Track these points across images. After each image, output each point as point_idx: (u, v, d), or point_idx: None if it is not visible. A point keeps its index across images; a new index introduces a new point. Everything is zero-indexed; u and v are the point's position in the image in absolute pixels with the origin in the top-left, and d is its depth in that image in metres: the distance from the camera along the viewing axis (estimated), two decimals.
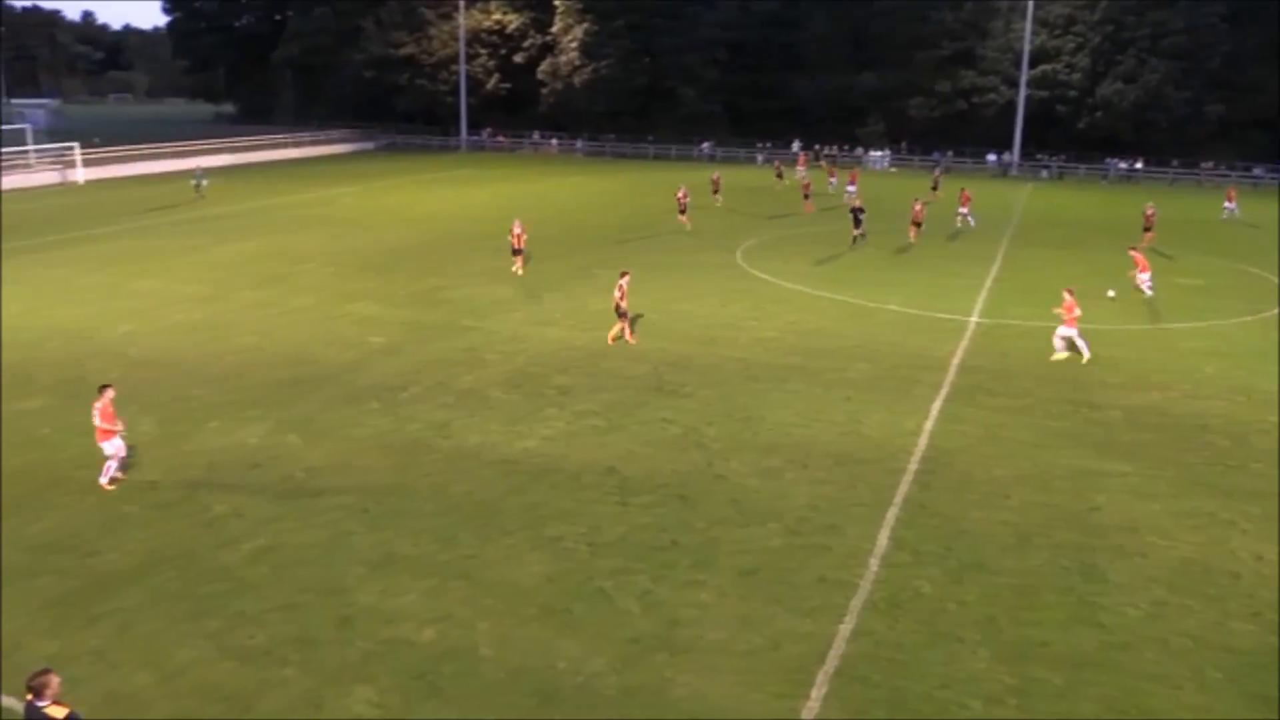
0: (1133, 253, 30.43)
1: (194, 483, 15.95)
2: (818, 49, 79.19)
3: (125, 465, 16.17)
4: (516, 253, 32.21)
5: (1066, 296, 22.96)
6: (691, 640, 11.58)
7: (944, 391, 20.66)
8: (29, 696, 8.07)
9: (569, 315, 26.65)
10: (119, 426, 15.79)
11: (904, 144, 76.50)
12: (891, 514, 14.92)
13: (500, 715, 10.25)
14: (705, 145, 79.56)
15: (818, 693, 10.61)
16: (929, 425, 18.67)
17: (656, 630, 11.79)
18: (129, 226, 42.12)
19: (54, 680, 8.16)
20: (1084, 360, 22.70)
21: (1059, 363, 22.70)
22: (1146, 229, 39.41)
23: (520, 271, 31.95)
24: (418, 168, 70.08)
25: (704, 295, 29.23)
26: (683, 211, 42.23)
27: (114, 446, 15.79)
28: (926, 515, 14.91)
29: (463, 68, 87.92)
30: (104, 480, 15.76)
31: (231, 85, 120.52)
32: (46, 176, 59.93)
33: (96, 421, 15.59)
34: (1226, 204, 49.80)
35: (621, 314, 23.97)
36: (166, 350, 23.25)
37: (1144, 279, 29.37)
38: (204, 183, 51.62)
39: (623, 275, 24.17)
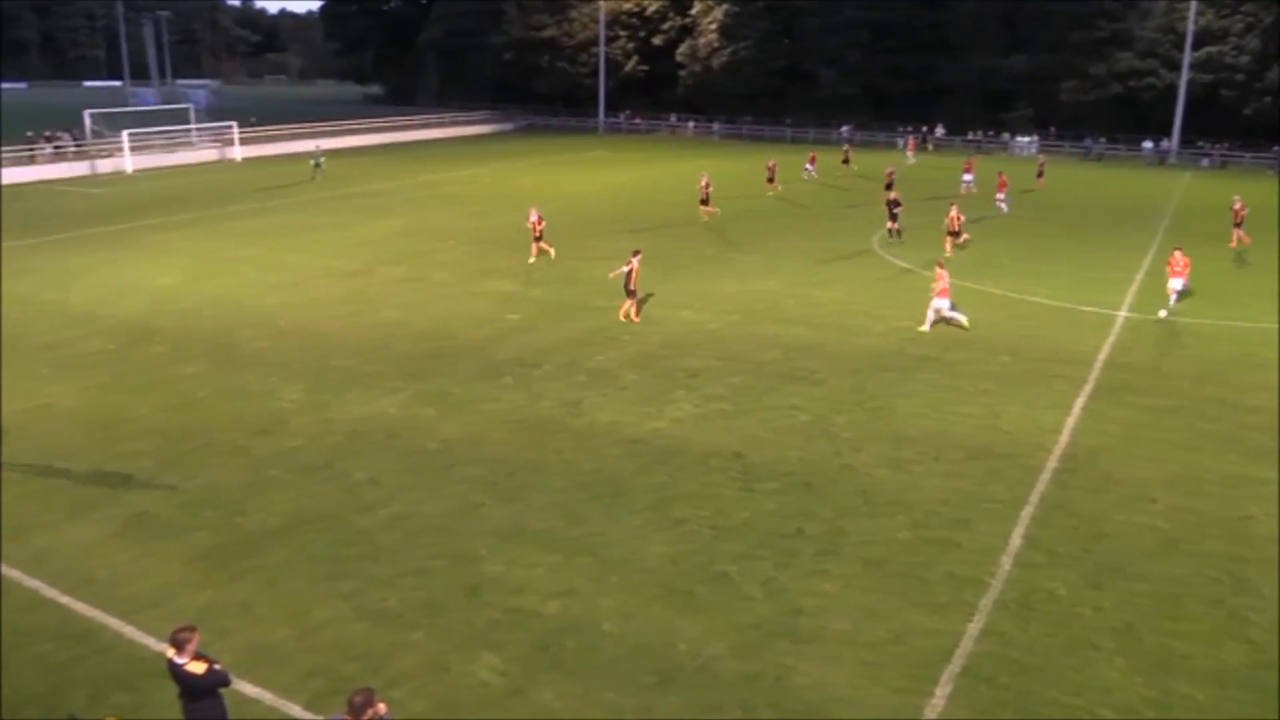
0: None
1: (335, 449, 16.62)
2: (965, 30, 76.65)
3: None
4: (537, 239, 31.09)
5: (938, 269, 24.08)
6: (814, 629, 11.49)
7: (1088, 388, 19.85)
8: (171, 651, 8.56)
9: (701, 298, 26.62)
10: None
11: (1052, 129, 73.49)
12: (1027, 512, 14.45)
13: (620, 692, 10.37)
14: (844, 129, 78.09)
15: (942, 691, 10.39)
16: (1070, 422, 17.98)
17: (778, 617, 11.74)
18: (281, 202, 44.05)
19: (195, 637, 8.63)
20: (967, 328, 23.40)
21: (1213, 364, 21.52)
22: (1236, 224, 35.35)
23: (533, 260, 30.83)
24: (555, 149, 71.02)
25: (838, 281, 28.81)
26: (704, 202, 40.03)
27: None
28: (1064, 515, 14.39)
29: (602, 50, 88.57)
30: None
31: (379, 67, 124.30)
32: (207, 154, 63.13)
33: None
34: None
35: (630, 293, 24.22)
36: (313, 322, 24.26)
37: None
38: (322, 162, 53.72)
39: (634, 254, 24.56)
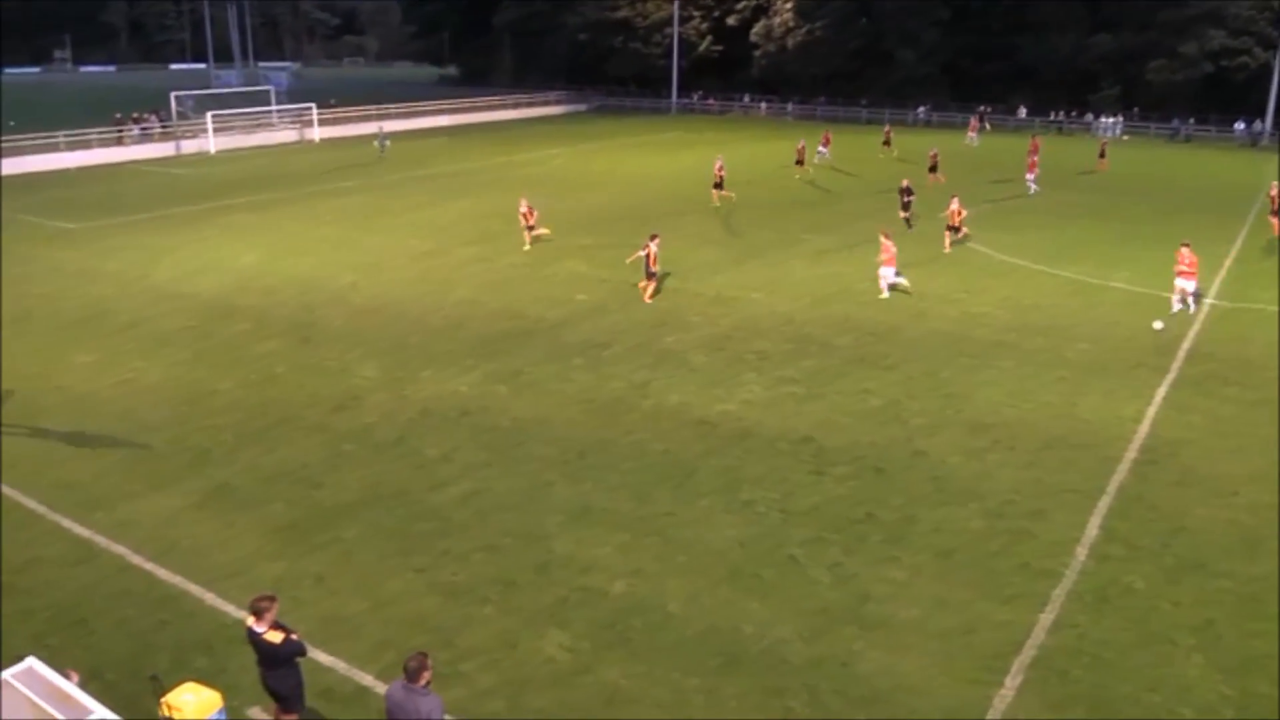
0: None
1: (409, 426, 16.91)
2: (1049, 8, 74.43)
3: None
4: (529, 229, 30.40)
5: (883, 239, 24.41)
6: (882, 616, 11.40)
7: (1171, 377, 19.30)
8: (251, 619, 8.81)
9: (773, 280, 26.45)
10: None
11: (1136, 110, 71.29)
12: (1104, 504, 14.12)
13: (685, 672, 10.42)
14: (921, 110, 76.69)
15: (1012, 682, 10.24)
16: (1152, 412, 17.51)
17: (846, 603, 11.67)
18: (357, 183, 44.75)
19: (274, 606, 8.86)
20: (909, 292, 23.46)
21: None
22: (1274, 212, 33.13)
23: (528, 248, 30.06)
24: (628, 130, 70.99)
25: (913, 265, 28.30)
26: (718, 185, 38.64)
27: None
28: (1143, 508, 14.04)
29: (675, 30, 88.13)
30: None
31: (455, 49, 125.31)
32: (287, 135, 64.35)
33: None
34: None
35: (650, 275, 24.66)
36: (388, 300, 24.66)
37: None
38: (387, 144, 54.73)
39: (652, 238, 24.84)
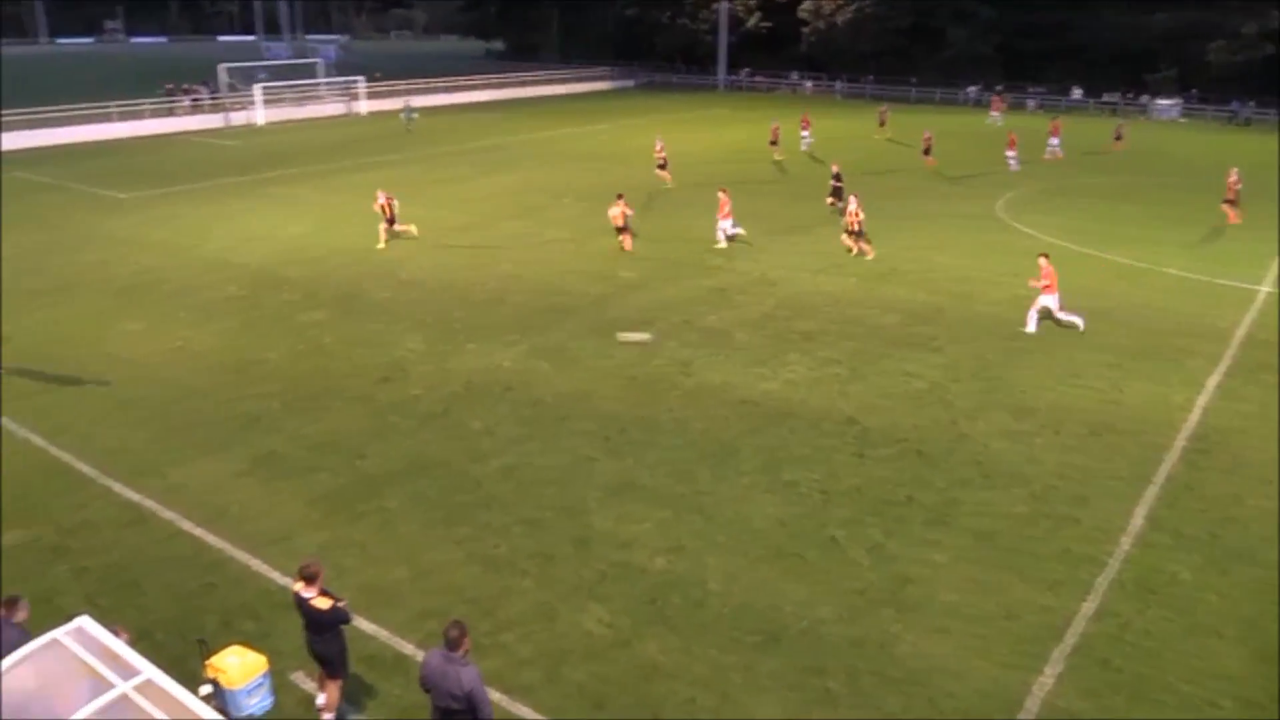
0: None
1: (452, 398, 17.04)
2: None
3: None
4: (389, 222, 27.79)
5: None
6: (922, 599, 11.35)
7: (1223, 365, 18.94)
8: (298, 585, 8.95)
9: (818, 260, 26.25)
10: None
11: (1194, 92, 69.61)
12: (1151, 492, 13.92)
13: (723, 649, 10.45)
14: (972, 90, 75.36)
15: (1052, 670, 10.16)
16: (1202, 400, 17.20)
17: (886, 584, 11.63)
18: (403, 156, 44.97)
19: (321, 573, 9.00)
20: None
21: None
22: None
23: (382, 245, 27.47)
24: (674, 106, 70.61)
25: (959, 247, 28.05)
26: (662, 167, 37.74)
27: None
28: (1191, 497, 13.82)
29: (723, 6, 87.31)
30: None
31: (502, 23, 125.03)
32: (335, 108, 64.78)
33: None
34: None
35: (620, 230, 26.96)
36: (433, 274, 24.81)
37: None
38: (414, 117, 55.09)
39: (619, 197, 27.28)
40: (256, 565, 11.98)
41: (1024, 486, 14.03)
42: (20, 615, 8.47)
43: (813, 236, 29.09)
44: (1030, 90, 72.80)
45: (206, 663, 9.02)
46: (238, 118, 58.55)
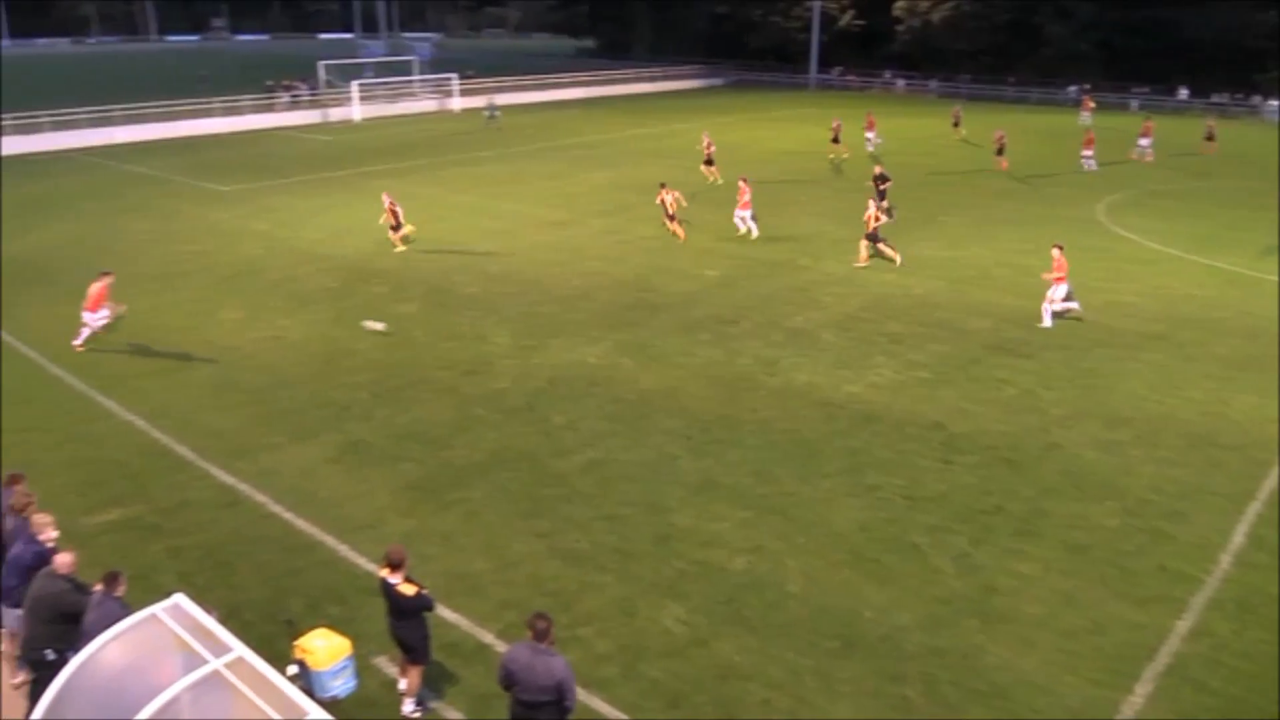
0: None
1: (537, 393, 17.20)
2: None
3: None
4: (394, 228, 27.15)
5: (1056, 254, 21.02)
6: (1007, 610, 11.09)
7: None
8: (385, 571, 9.12)
9: (908, 261, 25.83)
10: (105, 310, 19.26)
11: None
12: (1252, 509, 13.37)
13: (800, 653, 10.36)
14: (1073, 89, 73.22)
15: (1143, 689, 9.83)
16: None
17: (970, 594, 11.39)
18: (494, 152, 45.54)
19: (407, 561, 9.15)
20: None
21: None
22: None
23: (400, 249, 27.00)
24: (764, 105, 70.17)
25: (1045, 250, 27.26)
26: (708, 162, 37.48)
27: (94, 319, 19.18)
28: None
29: (817, 4, 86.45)
30: (77, 342, 19.22)
31: (593, 21, 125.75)
32: (428, 104, 65.91)
33: (93, 294, 19.15)
34: None
35: (670, 218, 27.98)
36: (521, 269, 25.07)
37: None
38: (497, 114, 55.94)
39: (661, 186, 28.40)
40: (343, 551, 12.26)
41: (1117, 499, 13.62)
42: (120, 589, 8.79)
43: (901, 237, 28.56)
44: (1134, 90, 70.43)
45: (294, 643, 9.25)
46: (335, 113, 59.94)
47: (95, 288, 19.24)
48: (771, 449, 15.05)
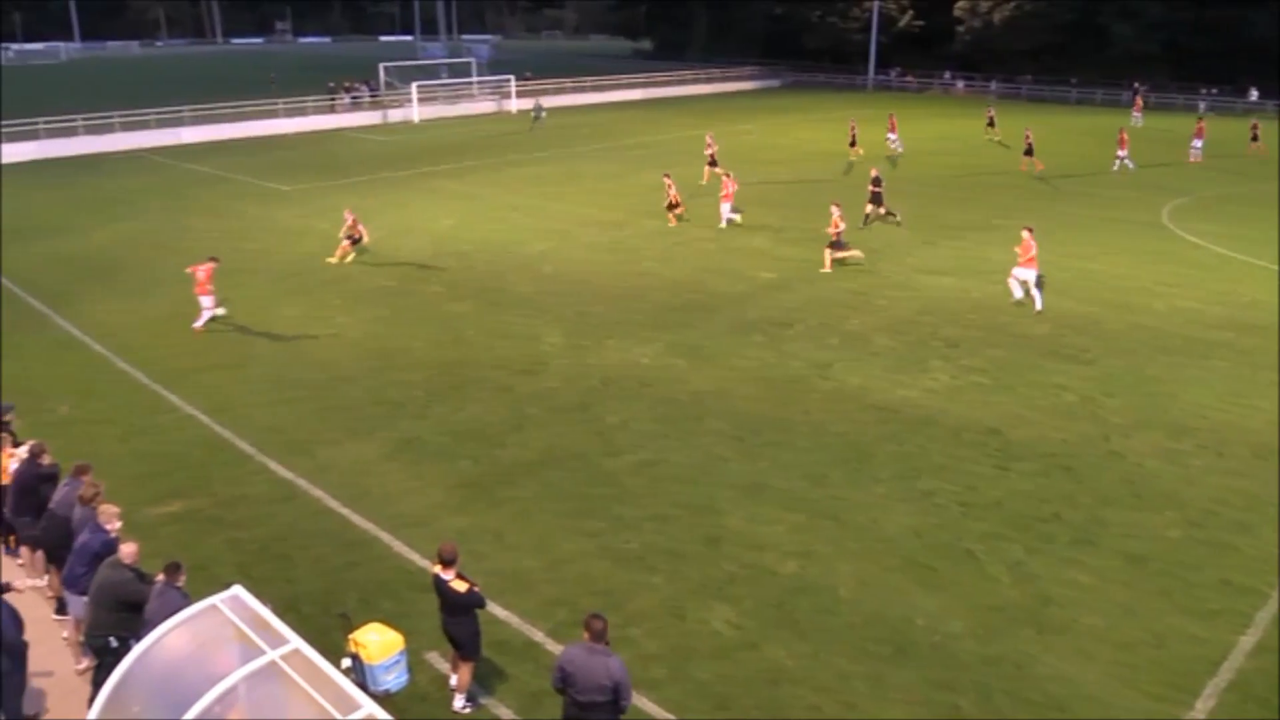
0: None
1: (590, 393, 17.26)
2: None
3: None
4: (353, 240, 26.07)
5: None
6: (1064, 621, 10.90)
7: None
8: (437, 567, 9.21)
9: (965, 265, 25.52)
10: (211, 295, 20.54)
11: None
12: None
13: (851, 658, 10.28)
14: (1137, 90, 71.65)
15: (1204, 705, 9.61)
16: None
17: (1025, 603, 11.22)
18: (550, 153, 45.79)
19: (459, 557, 9.23)
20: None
21: None
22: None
23: (341, 260, 25.98)
24: (821, 106, 69.71)
25: (1119, 254, 26.81)
26: (712, 163, 37.58)
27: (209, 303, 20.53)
28: None
29: (875, 4, 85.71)
30: (198, 324, 20.50)
31: (650, 22, 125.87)
32: (486, 105, 66.46)
33: (201, 276, 20.45)
34: None
35: (671, 207, 30.13)
36: (575, 269, 25.19)
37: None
38: (543, 115, 56.80)
39: (665, 176, 30.22)
40: (397, 546, 12.40)
41: (1179, 509, 13.32)
42: (181, 580, 8.99)
43: (959, 239, 28.29)
44: (1203, 92, 68.74)
45: (348, 637, 9.39)
46: (395, 115, 60.69)
47: (202, 271, 20.48)
48: (824, 452, 14.95)
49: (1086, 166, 41.55)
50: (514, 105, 65.90)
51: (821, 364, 18.56)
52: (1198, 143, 43.59)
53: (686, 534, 12.67)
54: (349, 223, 26.10)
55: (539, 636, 10.59)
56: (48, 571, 11.28)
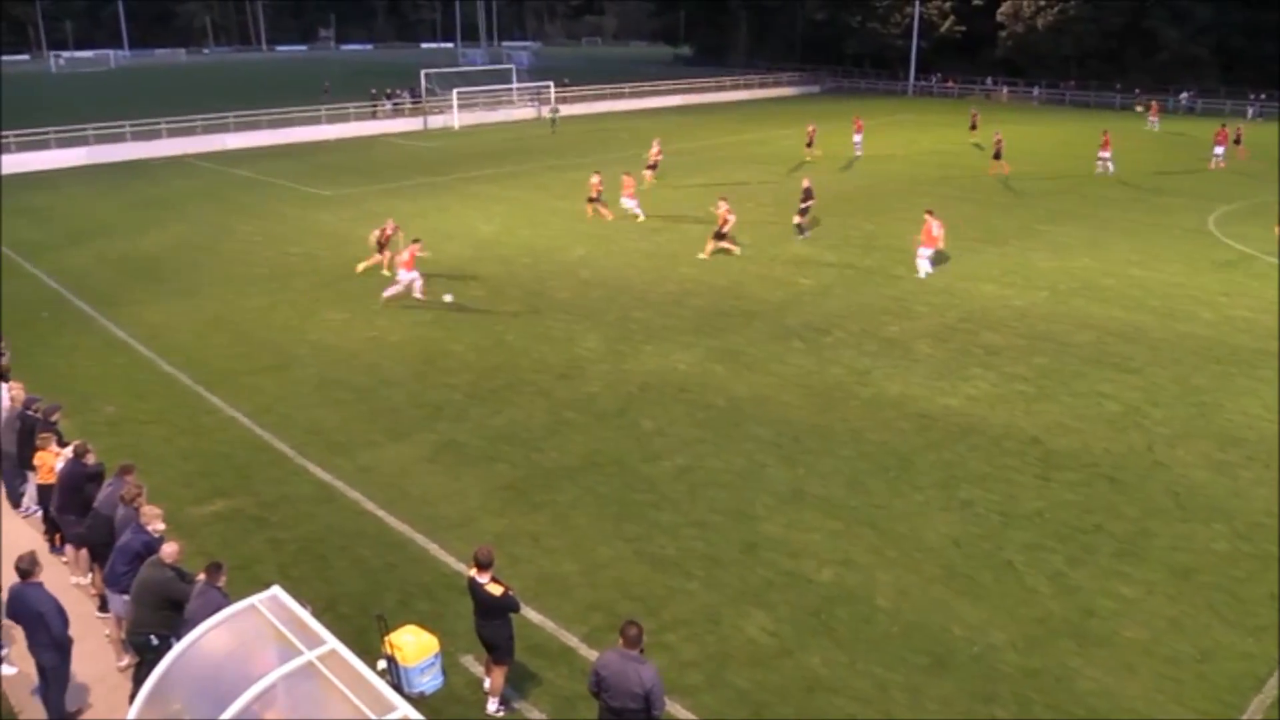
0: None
1: (628, 398, 17.27)
2: None
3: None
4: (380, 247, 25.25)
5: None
6: (1106, 633, 10.72)
7: None
8: (473, 570, 9.24)
9: (1007, 272, 25.25)
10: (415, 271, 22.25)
11: None
12: None
13: (889, 668, 10.18)
14: (1185, 95, 70.60)
15: None
16: None
17: (1067, 615, 11.05)
18: (590, 159, 45.80)
19: (495, 560, 9.25)
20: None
21: None
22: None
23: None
24: (861, 112, 69.21)
25: (1166, 262, 26.39)
26: (650, 168, 38.68)
27: (407, 278, 22.17)
28: None
29: (916, 9, 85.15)
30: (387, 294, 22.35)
31: (690, 27, 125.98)
32: (526, 112, 66.72)
33: (404, 258, 22.27)
34: None
35: (592, 201, 31.23)
36: (615, 274, 25.21)
37: None
38: (557, 120, 58.61)
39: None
40: (434, 549, 12.46)
41: (1226, 522, 13.07)
42: (222, 580, 9.10)
43: (1003, 246, 27.99)
44: (1252, 97, 67.49)
45: (384, 639, 9.43)
46: (435, 121, 61.14)
47: (409, 250, 22.40)
48: (863, 460, 14.84)
49: (1129, 173, 40.94)
50: (559, 111, 66.07)
51: (861, 371, 18.43)
52: (1219, 149, 42.89)
53: (724, 540, 12.62)
54: (386, 231, 25.25)
55: (574, 641, 10.59)
56: (91, 569, 11.47)
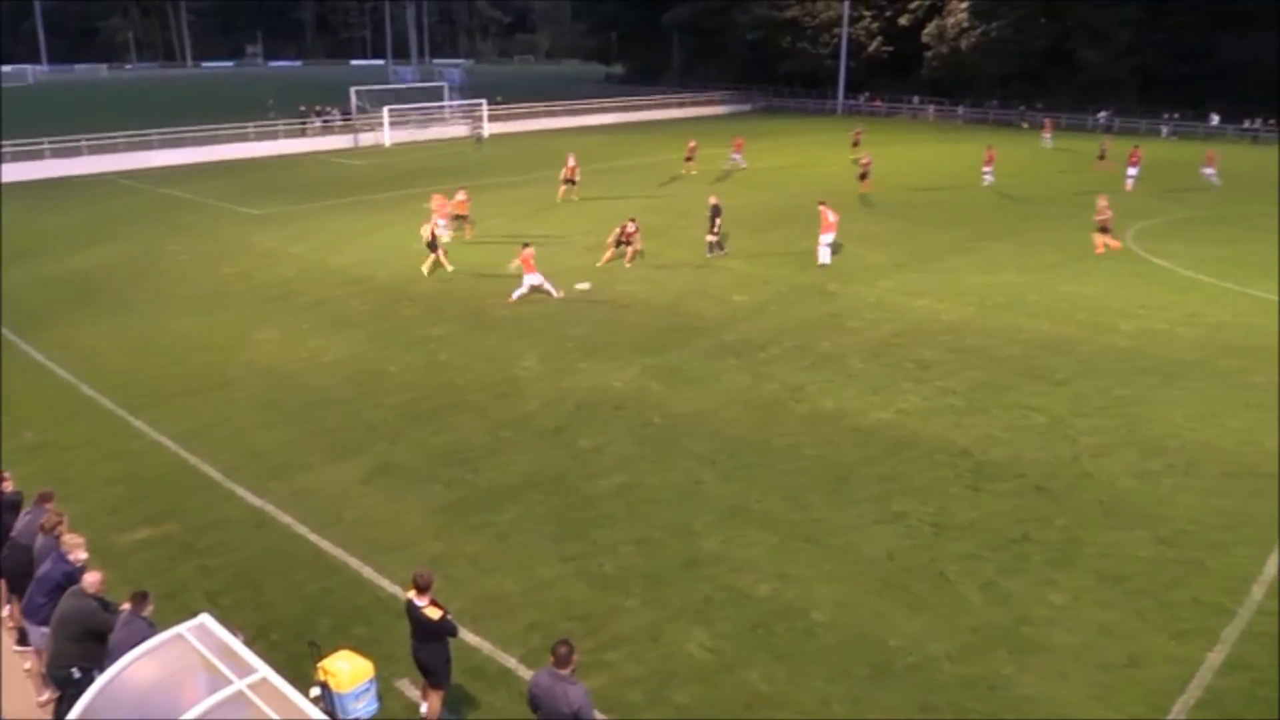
0: None
1: (566, 416, 17.21)
2: (1256, 3, 68.00)
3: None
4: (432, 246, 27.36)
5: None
6: (1039, 640, 10.92)
7: None
8: (412, 593, 9.12)
9: (938, 287, 25.70)
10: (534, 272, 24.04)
11: None
12: None
13: (829, 680, 10.25)
14: (1102, 115, 72.67)
15: None
16: None
17: (1001, 624, 11.23)
18: (523, 177, 45.85)
19: (434, 583, 9.14)
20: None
21: None
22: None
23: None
24: (791, 130, 70.33)
25: (1090, 277, 27.08)
26: (570, 181, 39.74)
27: (533, 280, 24.07)
28: None
29: (845, 31, 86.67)
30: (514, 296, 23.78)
31: (624, 47, 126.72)
32: (459, 129, 66.44)
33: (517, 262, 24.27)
34: None
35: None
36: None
37: None
38: (484, 139, 60.11)
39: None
40: (370, 573, 12.27)
41: (1151, 529, 13.41)
42: (148, 609, 8.84)
43: (935, 265, 28.51)
44: (1165, 116, 69.74)
45: (318, 665, 9.25)
46: (366, 139, 60.62)
47: (525, 254, 24.25)
48: (800, 475, 14.96)
49: (1051, 190, 42.04)
50: (486, 130, 65.96)
51: (796, 386, 18.60)
52: (1132, 170, 42.81)
53: (664, 557, 12.62)
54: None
55: (512, 663, 10.50)
56: (9, 602, 11.09)
